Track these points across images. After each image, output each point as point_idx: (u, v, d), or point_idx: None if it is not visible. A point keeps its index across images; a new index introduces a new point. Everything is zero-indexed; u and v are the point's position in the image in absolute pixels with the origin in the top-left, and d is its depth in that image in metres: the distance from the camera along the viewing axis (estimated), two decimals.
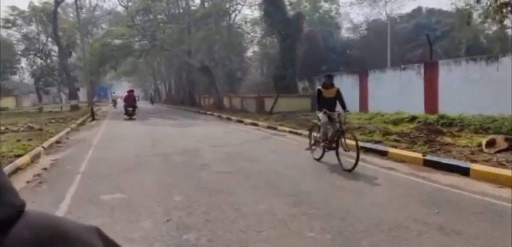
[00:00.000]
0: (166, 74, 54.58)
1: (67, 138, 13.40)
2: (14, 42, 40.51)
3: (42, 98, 44.32)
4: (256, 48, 46.69)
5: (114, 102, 47.56)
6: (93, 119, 21.57)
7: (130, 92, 24.81)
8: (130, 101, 23.41)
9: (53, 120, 20.32)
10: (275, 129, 14.30)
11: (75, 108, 31.58)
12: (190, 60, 29.78)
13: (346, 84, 23.50)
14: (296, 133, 12.60)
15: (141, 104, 48.47)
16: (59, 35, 33.66)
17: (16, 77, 51.95)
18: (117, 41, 28.32)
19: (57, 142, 12.17)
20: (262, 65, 46.64)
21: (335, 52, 33.50)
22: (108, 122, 21.44)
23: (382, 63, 34.04)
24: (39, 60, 41.40)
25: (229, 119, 20.27)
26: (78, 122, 19.48)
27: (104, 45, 27.33)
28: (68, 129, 15.90)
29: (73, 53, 39.99)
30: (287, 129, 13.55)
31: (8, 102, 44.81)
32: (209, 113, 25.48)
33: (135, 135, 13.77)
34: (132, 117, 22.89)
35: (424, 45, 37.03)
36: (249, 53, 45.68)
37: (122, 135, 14.09)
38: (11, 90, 48.24)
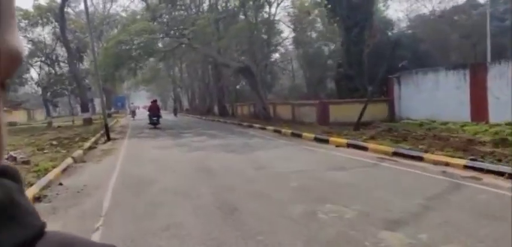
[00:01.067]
0: (189, 81, 49.08)
1: (60, 185, 7.58)
2: None
3: (53, 110, 39.29)
4: (285, 48, 40.76)
5: (133, 113, 42.92)
6: (109, 139, 15.83)
7: (154, 101, 24.63)
8: (154, 110, 23.43)
9: (54, 142, 14.77)
10: (418, 159, 8.17)
11: (88, 122, 26.16)
12: (228, 61, 24.01)
13: (447, 85, 17.27)
14: (493, 172, 6.45)
15: (163, 115, 42.79)
16: (67, 36, 28.33)
17: (28, 88, 47.36)
18: (136, 40, 22.79)
19: (38, 197, 6.40)
20: (299, 67, 40.64)
21: (402, 47, 27.23)
22: (128, 143, 15.66)
23: (447, 59, 28.03)
24: (46, 68, 36.33)
25: (297, 136, 14.25)
26: (87, 145, 13.74)
27: (119, 43, 21.80)
28: (70, 160, 10.18)
29: (85, 58, 34.77)
30: (458, 161, 7.35)
31: (19, 116, 39.87)
32: (258, 125, 19.51)
33: (179, 176, 7.87)
34: (157, 126, 22.56)
35: (494, 36, 30.54)
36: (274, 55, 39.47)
37: (154, 175, 8.16)
38: (20, 104, 43.37)
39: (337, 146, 11.19)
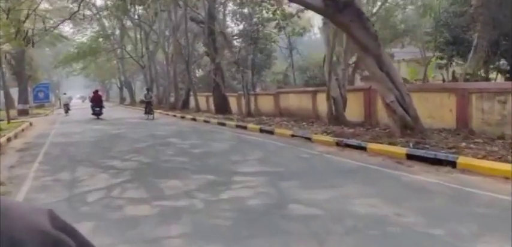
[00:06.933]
0: (146, 59, 33.65)
1: None
2: None
3: None
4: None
5: (66, 107, 28.63)
6: None
7: (96, 92, 24.11)
8: (97, 101, 22.87)
9: None
10: None
11: None
12: None
13: None
14: None
15: (116, 112, 27.01)
16: None
17: None
18: None
19: None
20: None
21: None
22: None
23: None
24: None
25: None
26: None
27: None
28: None
29: None
30: None
31: None
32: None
33: None
34: (99, 117, 21.88)
35: None
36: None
37: None
38: None
39: None
